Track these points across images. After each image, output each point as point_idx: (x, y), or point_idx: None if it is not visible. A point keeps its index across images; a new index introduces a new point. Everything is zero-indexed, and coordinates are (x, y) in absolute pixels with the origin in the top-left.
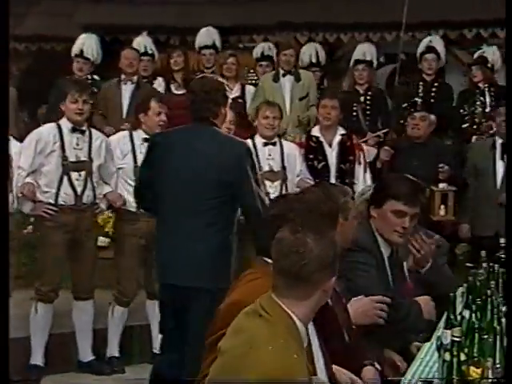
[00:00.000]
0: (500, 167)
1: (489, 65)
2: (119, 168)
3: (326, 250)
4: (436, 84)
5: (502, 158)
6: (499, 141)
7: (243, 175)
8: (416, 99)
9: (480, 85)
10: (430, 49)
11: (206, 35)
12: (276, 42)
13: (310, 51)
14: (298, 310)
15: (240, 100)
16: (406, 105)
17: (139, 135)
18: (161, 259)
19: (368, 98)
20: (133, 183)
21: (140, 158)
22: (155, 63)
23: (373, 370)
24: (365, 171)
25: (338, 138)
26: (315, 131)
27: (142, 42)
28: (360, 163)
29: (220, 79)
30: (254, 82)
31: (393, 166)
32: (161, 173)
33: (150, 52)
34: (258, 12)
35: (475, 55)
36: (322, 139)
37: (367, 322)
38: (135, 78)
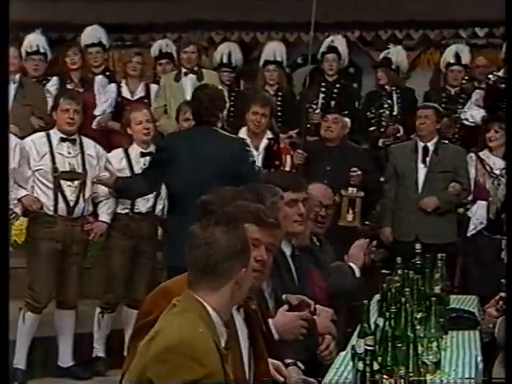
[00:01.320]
0: (421, 171)
1: (393, 66)
2: (36, 170)
3: (233, 241)
4: (338, 85)
5: (424, 162)
6: (421, 144)
7: (248, 165)
8: (320, 101)
9: (386, 87)
10: (332, 49)
11: (92, 33)
12: (175, 39)
13: (223, 51)
14: (211, 299)
15: (146, 100)
16: (308, 106)
17: (56, 135)
18: (174, 245)
19: (279, 99)
20: (51, 185)
21: (59, 158)
22: (47, 62)
23: (296, 370)
24: None
25: (264, 142)
26: (242, 134)
27: (34, 40)
28: (285, 166)
29: (219, 87)
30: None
31: (306, 170)
32: (173, 173)
33: (42, 51)
34: (171, 9)
35: (380, 56)
36: (248, 143)
37: (291, 338)
38: (17, 77)
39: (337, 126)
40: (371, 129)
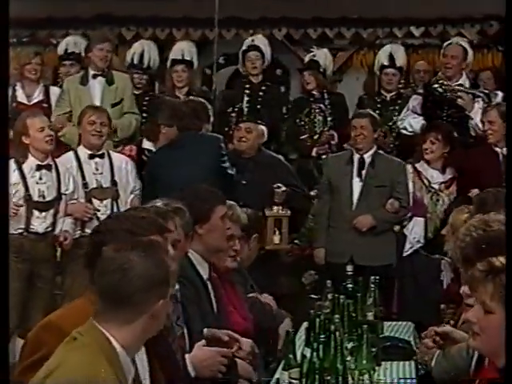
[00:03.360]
0: (356, 185)
1: (321, 69)
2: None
3: (153, 270)
4: (264, 88)
5: (359, 175)
6: (356, 155)
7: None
8: (240, 105)
9: (315, 92)
10: (253, 47)
11: None
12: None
13: (135, 50)
14: (120, 334)
15: (45, 104)
16: (231, 110)
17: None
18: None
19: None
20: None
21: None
22: None
23: None
24: None
25: None
26: (147, 144)
27: None
28: None
29: (204, 101)
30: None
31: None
32: (164, 185)
33: None
34: (75, 1)
35: (306, 59)
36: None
37: (208, 376)
38: None
39: (250, 135)
40: (302, 137)
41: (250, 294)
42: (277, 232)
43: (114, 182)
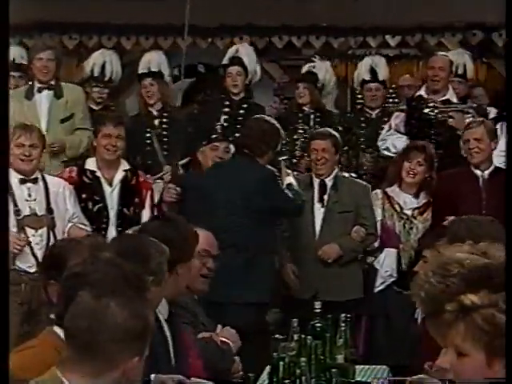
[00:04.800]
0: (318, 212)
1: (318, 84)
2: None
3: (132, 321)
4: (245, 105)
5: (321, 200)
6: (316, 180)
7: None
8: (217, 124)
9: (305, 108)
10: (235, 60)
11: None
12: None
13: (96, 61)
14: None
15: None
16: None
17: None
18: None
19: (164, 120)
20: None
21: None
22: None
23: None
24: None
25: (120, 175)
26: (90, 164)
27: None
28: (145, 207)
29: (278, 124)
30: None
31: (181, 210)
32: (203, 210)
33: None
34: (13, 6)
35: (303, 69)
36: (99, 175)
37: None
38: None
39: (227, 156)
40: (281, 158)
41: (203, 334)
42: None
43: (49, 210)
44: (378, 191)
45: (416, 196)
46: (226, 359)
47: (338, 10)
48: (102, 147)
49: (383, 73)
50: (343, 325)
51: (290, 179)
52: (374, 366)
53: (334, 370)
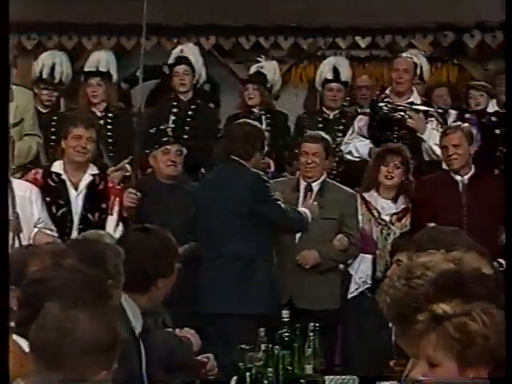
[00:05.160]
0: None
1: (268, 84)
2: None
3: (101, 334)
4: (193, 106)
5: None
6: (303, 182)
7: (267, 203)
8: (166, 126)
9: (255, 110)
10: (182, 59)
11: None
12: None
13: (45, 62)
14: None
15: None
16: (154, 131)
17: None
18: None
19: (109, 121)
20: None
21: None
22: None
23: None
24: (117, 224)
25: (87, 179)
26: (57, 167)
27: None
28: (113, 213)
29: (260, 126)
30: None
31: (140, 215)
32: (199, 213)
33: None
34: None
35: (251, 70)
36: (65, 178)
37: None
38: None
39: (180, 158)
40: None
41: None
42: None
43: (15, 214)
44: (356, 196)
45: (394, 201)
46: (189, 352)
47: (306, 10)
48: (70, 149)
49: (346, 74)
50: (312, 334)
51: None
52: (343, 377)
53: (302, 381)
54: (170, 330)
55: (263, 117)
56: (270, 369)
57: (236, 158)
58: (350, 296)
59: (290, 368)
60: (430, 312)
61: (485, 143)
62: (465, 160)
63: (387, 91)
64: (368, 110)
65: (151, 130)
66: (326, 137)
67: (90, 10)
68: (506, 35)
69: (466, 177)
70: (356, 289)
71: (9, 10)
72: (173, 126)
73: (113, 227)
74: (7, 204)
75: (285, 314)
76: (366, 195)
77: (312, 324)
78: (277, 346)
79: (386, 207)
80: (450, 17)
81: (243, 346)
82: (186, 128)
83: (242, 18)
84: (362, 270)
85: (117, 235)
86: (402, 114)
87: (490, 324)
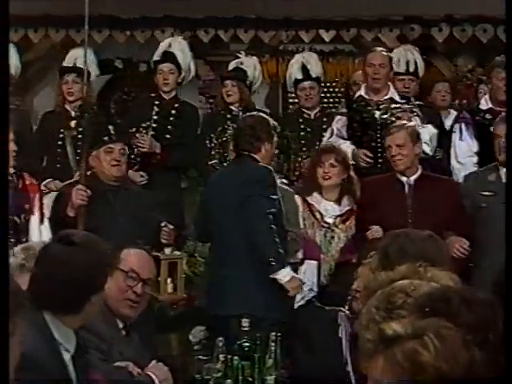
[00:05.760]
0: None
1: (248, 81)
2: None
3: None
4: (177, 105)
5: None
6: None
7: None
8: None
9: (233, 107)
10: (168, 56)
11: None
12: None
13: None
14: None
15: None
16: (134, 130)
17: None
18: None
19: (82, 122)
20: None
21: None
22: None
23: None
24: (41, 222)
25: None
26: None
27: None
28: (34, 212)
29: (265, 116)
30: None
31: (88, 216)
32: (208, 211)
33: None
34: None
35: (230, 66)
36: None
37: None
38: None
39: (124, 158)
40: (211, 162)
41: (119, 363)
42: (169, 279)
43: None
44: (298, 199)
45: (338, 203)
46: None
47: (268, 1)
48: None
49: (316, 69)
50: (273, 344)
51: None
52: None
53: None
54: (124, 363)
55: (241, 114)
56: (228, 380)
57: (244, 152)
58: (296, 306)
59: (250, 379)
60: (379, 331)
61: (481, 142)
62: (410, 161)
63: (362, 88)
64: (345, 110)
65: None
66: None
67: (36, 2)
68: (506, 35)
69: (412, 178)
70: (302, 297)
71: (8, 10)
72: (155, 125)
73: (37, 227)
74: (7, 204)
75: (244, 322)
76: (308, 198)
77: (273, 333)
78: (236, 357)
79: (330, 209)
80: (418, 9)
81: (200, 357)
82: (169, 127)
83: (200, 10)
84: (307, 277)
85: (45, 237)
86: (384, 112)
87: (443, 351)
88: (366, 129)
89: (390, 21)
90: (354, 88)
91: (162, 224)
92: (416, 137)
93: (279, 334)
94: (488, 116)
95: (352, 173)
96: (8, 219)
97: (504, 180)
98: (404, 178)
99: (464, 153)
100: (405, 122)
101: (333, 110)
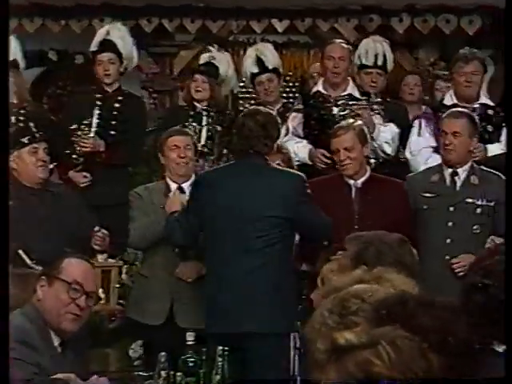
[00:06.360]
0: None
1: (220, 79)
2: None
3: None
4: (120, 97)
5: None
6: (173, 185)
7: (300, 209)
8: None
9: (198, 104)
10: (107, 45)
11: None
12: None
13: None
14: None
15: None
16: (76, 127)
17: None
18: (214, 304)
19: (21, 118)
20: None
21: None
22: None
23: None
24: None
25: None
26: None
27: None
28: None
29: (273, 112)
30: None
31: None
32: (210, 213)
33: None
34: None
35: (201, 59)
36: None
37: None
38: None
39: (48, 158)
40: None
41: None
42: (101, 290)
43: None
44: None
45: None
46: None
47: None
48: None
49: (272, 60)
50: (220, 359)
51: None
52: None
53: None
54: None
55: (204, 112)
56: None
57: (256, 154)
58: None
59: None
60: (332, 341)
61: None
62: (359, 164)
63: (320, 83)
64: (301, 107)
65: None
66: (185, 130)
67: None
68: (506, 35)
69: (360, 181)
70: None
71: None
72: (98, 120)
73: None
74: (7, 204)
75: (189, 336)
76: None
77: (220, 348)
78: (179, 373)
79: None
80: None
81: (141, 373)
82: (113, 122)
83: None
84: None
85: None
86: (344, 109)
87: (397, 360)
88: (324, 127)
89: (348, 10)
90: (310, 82)
91: (96, 229)
92: (364, 137)
93: (226, 349)
94: None
95: None
96: (8, 219)
97: (448, 182)
98: (351, 181)
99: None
100: (352, 120)
101: (289, 106)
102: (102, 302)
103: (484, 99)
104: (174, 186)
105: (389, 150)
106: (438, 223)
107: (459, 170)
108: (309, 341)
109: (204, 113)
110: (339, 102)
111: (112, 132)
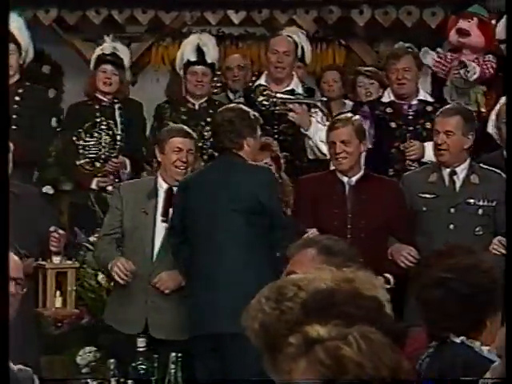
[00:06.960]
0: (160, 227)
1: (124, 69)
2: None
3: None
4: (21, 90)
5: (165, 214)
6: (163, 187)
7: (273, 202)
8: None
9: (106, 98)
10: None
11: None
12: None
13: None
14: None
15: None
16: None
17: None
18: (197, 307)
19: None
20: None
21: None
22: None
23: None
24: None
25: None
26: None
27: None
28: None
29: (245, 108)
30: None
31: None
32: (190, 216)
33: None
34: None
35: (106, 49)
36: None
37: None
38: None
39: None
40: (79, 163)
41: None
42: (58, 292)
43: None
44: None
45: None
46: None
47: None
48: None
49: (212, 54)
50: (173, 367)
51: None
52: None
53: None
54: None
55: (116, 106)
56: None
57: (227, 149)
58: None
59: None
60: (303, 334)
61: (379, 139)
62: (354, 159)
63: (263, 77)
64: (242, 100)
65: None
66: (190, 131)
67: None
68: (506, 34)
69: (354, 178)
70: None
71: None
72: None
73: None
74: (7, 204)
75: (140, 342)
76: None
77: (174, 354)
78: (130, 381)
79: None
80: None
81: (89, 381)
82: (14, 117)
83: None
84: None
85: None
86: (281, 106)
87: (367, 350)
88: (264, 123)
89: (307, 1)
90: (228, 74)
91: (51, 229)
92: (362, 133)
93: (180, 355)
94: (389, 110)
95: (283, 174)
96: (8, 219)
97: (447, 181)
98: (345, 178)
99: None
100: (351, 114)
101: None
102: (58, 305)
103: (423, 95)
104: (164, 186)
105: (324, 149)
106: (439, 226)
107: (457, 169)
108: (245, 328)
109: (116, 106)
110: (279, 97)
111: (13, 127)
